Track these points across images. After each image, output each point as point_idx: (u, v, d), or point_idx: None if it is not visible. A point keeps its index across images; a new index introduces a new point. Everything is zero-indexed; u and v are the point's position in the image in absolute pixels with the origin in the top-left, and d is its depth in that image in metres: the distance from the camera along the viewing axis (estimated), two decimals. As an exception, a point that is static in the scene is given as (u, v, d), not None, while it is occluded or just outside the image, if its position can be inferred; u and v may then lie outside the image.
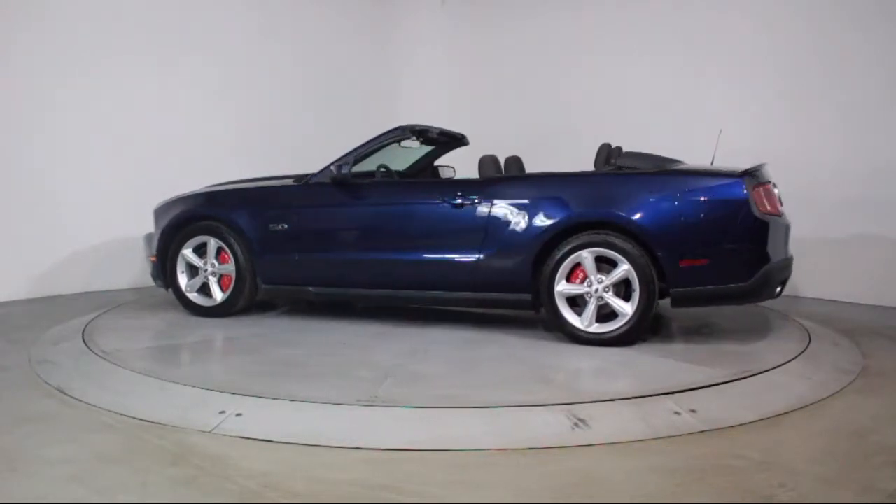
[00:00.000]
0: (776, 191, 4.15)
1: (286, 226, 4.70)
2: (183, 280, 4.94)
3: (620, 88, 6.81)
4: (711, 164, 4.24)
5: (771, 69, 5.92)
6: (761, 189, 3.91)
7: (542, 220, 4.07)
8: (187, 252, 4.90)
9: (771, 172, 4.20)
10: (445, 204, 4.32)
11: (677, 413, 2.90)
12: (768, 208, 3.89)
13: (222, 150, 6.79)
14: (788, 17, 5.84)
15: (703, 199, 3.85)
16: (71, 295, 5.83)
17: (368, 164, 4.93)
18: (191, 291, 4.94)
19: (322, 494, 2.26)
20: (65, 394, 3.25)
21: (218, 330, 4.52)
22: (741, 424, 2.84)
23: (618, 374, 3.52)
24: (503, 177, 4.39)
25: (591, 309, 3.96)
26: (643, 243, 3.86)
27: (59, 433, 2.77)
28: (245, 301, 4.86)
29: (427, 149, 5.55)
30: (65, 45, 5.84)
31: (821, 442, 2.73)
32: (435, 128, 5.05)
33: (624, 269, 3.87)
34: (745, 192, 3.80)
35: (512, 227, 4.15)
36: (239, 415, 2.89)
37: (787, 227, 4.11)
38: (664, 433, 2.73)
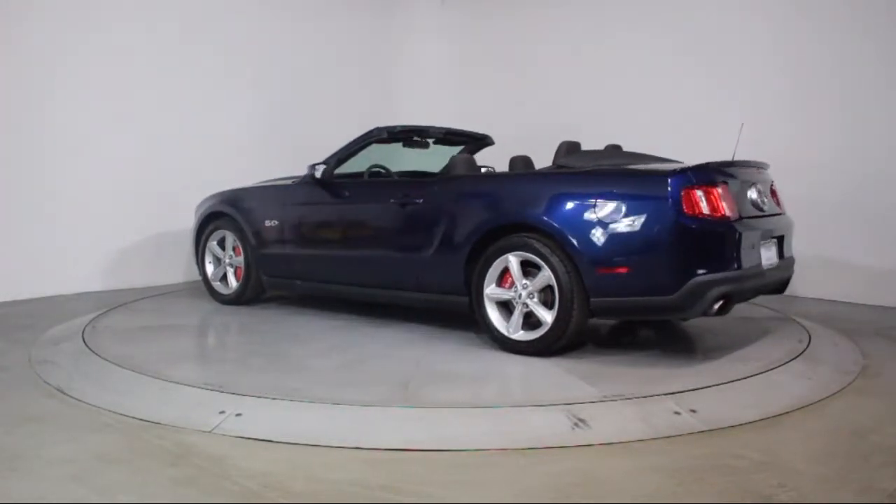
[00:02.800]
0: (753, 193, 3.80)
1: (277, 222, 5.01)
2: (210, 269, 5.44)
3: (621, 86, 6.80)
4: (732, 157, 4.00)
5: (772, 69, 5.92)
6: (700, 190, 3.45)
7: (471, 222, 3.97)
8: (213, 245, 5.42)
9: (759, 171, 4.00)
10: (394, 204, 4.35)
11: (677, 413, 2.90)
12: (706, 212, 3.43)
13: (223, 150, 6.79)
14: (791, 16, 5.84)
15: (623, 200, 3.51)
16: (71, 295, 5.83)
17: (359, 165, 4.96)
18: (214, 280, 5.44)
19: (322, 494, 2.26)
20: (65, 394, 3.25)
21: (201, 318, 5.00)
22: (741, 424, 2.84)
23: (494, 384, 3.41)
24: (443, 177, 4.32)
25: (515, 315, 3.77)
26: (563, 248, 3.61)
27: (59, 433, 2.77)
28: (252, 291, 5.26)
29: (456, 149, 5.50)
30: (76, 39, 5.86)
31: (821, 442, 2.73)
32: (439, 128, 5.05)
33: (546, 274, 3.64)
34: (668, 193, 3.41)
35: (447, 228, 4.09)
36: (239, 415, 2.89)
37: (748, 234, 3.57)
38: (664, 433, 2.73)
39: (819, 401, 3.14)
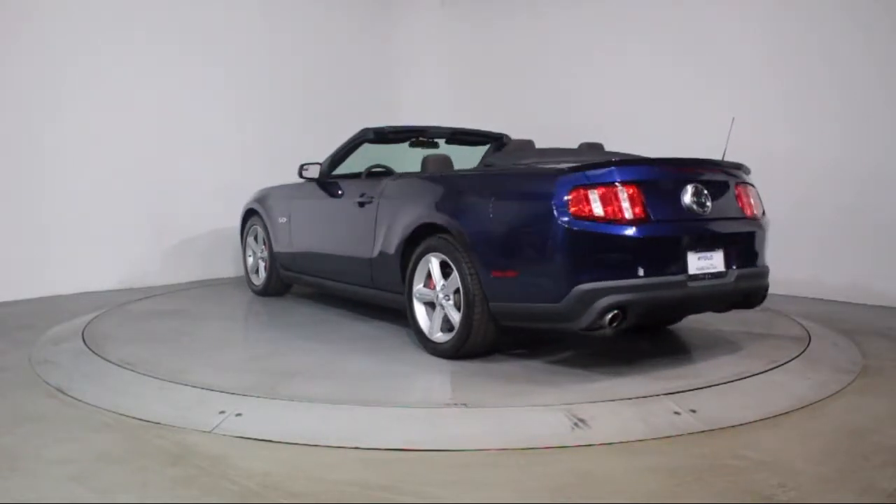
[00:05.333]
0: (687, 194, 3.39)
1: (285, 219, 5.29)
2: (250, 262, 5.88)
3: (621, 87, 6.81)
4: (724, 154, 3.88)
5: (771, 69, 5.92)
6: (594, 190, 3.16)
7: (402, 222, 3.99)
8: (250, 239, 5.85)
9: (709, 171, 3.60)
10: (355, 203, 4.47)
11: (677, 413, 2.89)
12: (598, 214, 3.15)
13: (225, 152, 6.81)
14: (789, 16, 5.84)
15: (515, 201, 3.40)
16: (70, 295, 5.83)
17: (358, 166, 5.00)
18: (251, 273, 5.88)
19: (322, 494, 2.26)
20: (65, 394, 3.25)
21: (200, 306, 5.36)
22: (741, 424, 2.84)
23: (369, 384, 3.31)
24: (391, 177, 4.39)
25: (434, 316, 3.75)
26: (466, 249, 3.52)
27: (59, 433, 2.77)
28: (275, 284, 5.59)
29: (475, 150, 5.49)
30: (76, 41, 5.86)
31: (821, 442, 2.73)
32: (442, 128, 5.10)
33: (455, 276, 3.56)
34: (553, 192, 3.17)
35: (387, 227, 4.14)
36: (239, 415, 2.89)
37: (656, 239, 3.26)
38: (664, 433, 2.73)
39: (819, 401, 3.14)
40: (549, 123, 7.08)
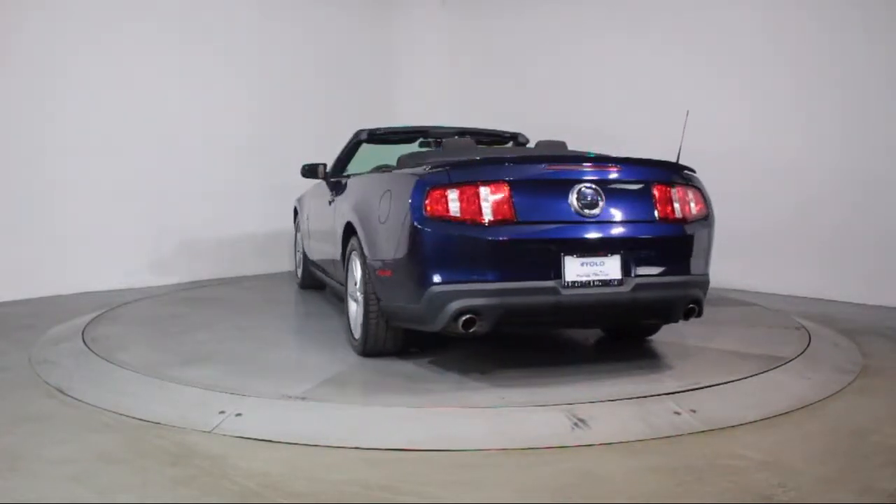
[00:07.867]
0: (574, 195, 3.15)
1: (307, 217, 5.46)
2: (297, 257, 6.22)
3: (622, 86, 6.81)
4: (679, 149, 3.69)
5: (772, 68, 5.92)
6: (453, 190, 3.06)
7: (339, 221, 4.11)
8: (298, 236, 6.19)
9: (612, 169, 3.29)
10: (328, 201, 4.63)
11: (677, 413, 2.90)
12: (454, 214, 3.05)
13: (225, 152, 6.81)
14: (792, 17, 5.84)
15: (389, 201, 3.35)
16: (71, 295, 5.83)
17: (367, 167, 5.02)
18: (297, 266, 6.24)
19: (322, 494, 2.26)
20: (65, 394, 3.25)
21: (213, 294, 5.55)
22: (741, 424, 2.84)
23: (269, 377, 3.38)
24: (348, 178, 4.46)
25: (357, 313, 3.75)
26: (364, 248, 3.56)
27: (59, 433, 2.77)
28: (308, 278, 5.86)
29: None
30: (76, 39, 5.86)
31: (821, 442, 2.73)
32: (445, 128, 5.12)
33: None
34: (411, 192, 3.11)
35: (335, 226, 4.26)
36: (239, 415, 2.89)
37: (519, 242, 3.07)
38: (664, 433, 2.73)
39: (819, 401, 3.14)
40: (549, 123, 7.07)
